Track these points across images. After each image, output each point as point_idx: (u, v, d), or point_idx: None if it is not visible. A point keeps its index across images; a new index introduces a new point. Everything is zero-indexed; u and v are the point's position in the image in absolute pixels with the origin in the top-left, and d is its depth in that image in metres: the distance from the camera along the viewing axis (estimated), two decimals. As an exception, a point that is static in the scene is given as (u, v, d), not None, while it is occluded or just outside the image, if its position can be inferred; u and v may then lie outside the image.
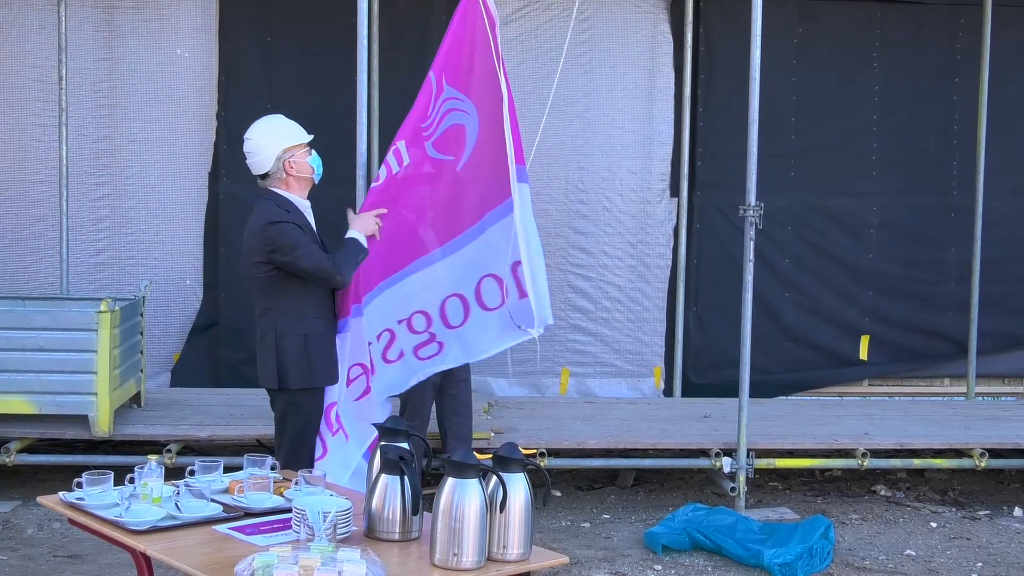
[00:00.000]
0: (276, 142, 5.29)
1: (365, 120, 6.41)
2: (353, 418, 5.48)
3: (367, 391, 5.55)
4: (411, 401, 6.06)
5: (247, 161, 5.42)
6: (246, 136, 5.41)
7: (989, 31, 8.46)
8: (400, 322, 5.66)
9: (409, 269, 5.65)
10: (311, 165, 5.39)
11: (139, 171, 8.44)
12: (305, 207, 5.38)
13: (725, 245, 8.31)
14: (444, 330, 5.67)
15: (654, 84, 8.68)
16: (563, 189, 8.66)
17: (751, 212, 6.60)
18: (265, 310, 5.26)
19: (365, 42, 6.42)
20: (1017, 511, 7.04)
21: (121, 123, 8.42)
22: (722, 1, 8.40)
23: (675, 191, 8.64)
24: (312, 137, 5.45)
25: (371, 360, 5.55)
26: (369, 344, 5.55)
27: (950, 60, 8.73)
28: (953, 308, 8.74)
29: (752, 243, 6.65)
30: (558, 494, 7.15)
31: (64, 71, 8.07)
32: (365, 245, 5.39)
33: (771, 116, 8.09)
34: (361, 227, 5.46)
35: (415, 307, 5.64)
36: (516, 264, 5.54)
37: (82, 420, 6.63)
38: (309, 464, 5.14)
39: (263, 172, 5.32)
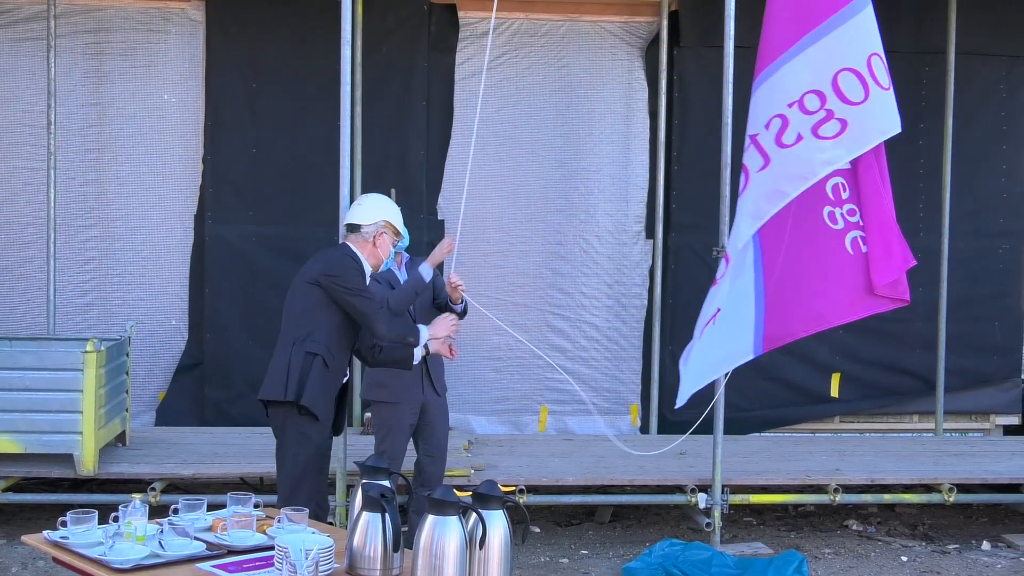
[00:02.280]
0: (381, 211, 5.41)
1: (348, 163, 6.42)
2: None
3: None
4: (387, 444, 6.00)
5: (351, 209, 5.53)
6: (365, 195, 5.66)
7: (952, 79, 8.58)
8: (791, 105, 5.58)
9: (790, 54, 5.61)
10: (391, 250, 5.47)
11: (126, 213, 8.43)
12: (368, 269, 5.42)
13: (700, 285, 8.31)
14: (843, 106, 5.52)
15: (630, 129, 8.75)
16: (541, 231, 8.69)
17: (724, 253, 6.63)
18: (294, 327, 5.17)
19: (348, 88, 6.45)
20: (985, 545, 7.05)
21: (109, 166, 8.43)
22: (695, 48, 8.48)
23: (650, 233, 8.69)
24: (403, 235, 5.58)
25: (764, 153, 5.57)
26: (754, 137, 5.62)
27: (916, 106, 8.82)
28: (921, 346, 8.78)
29: (725, 283, 6.69)
30: (537, 530, 7.13)
31: (53, 116, 8.08)
32: (424, 341, 5.39)
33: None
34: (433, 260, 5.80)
35: (806, 87, 5.55)
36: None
37: (67, 459, 6.59)
38: (316, 492, 5.18)
39: (356, 223, 5.39)
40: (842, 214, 5.78)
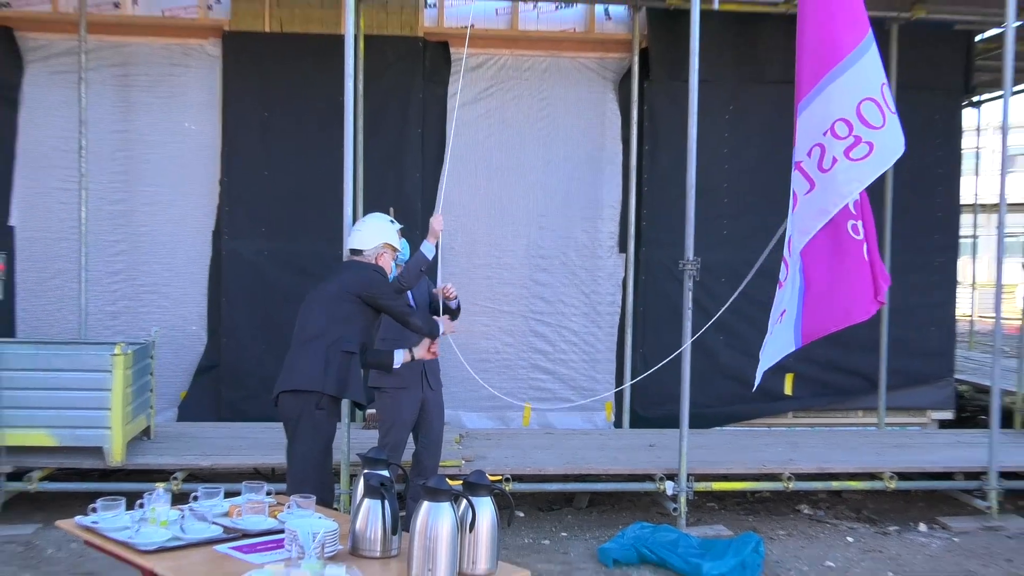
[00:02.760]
0: (381, 235, 5.58)
1: (351, 185, 6.45)
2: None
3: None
4: (391, 437, 6.04)
5: (351, 236, 5.65)
6: (362, 219, 5.73)
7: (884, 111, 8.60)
8: (825, 133, 5.79)
9: (818, 88, 5.86)
10: (392, 266, 5.67)
11: (151, 230, 8.43)
12: None
13: (667, 295, 8.37)
14: (868, 131, 5.77)
15: (604, 154, 8.78)
16: (525, 246, 8.72)
17: (689, 266, 6.67)
18: (328, 329, 5.23)
19: (351, 117, 6.47)
20: (922, 526, 7.08)
21: (135, 188, 8.42)
22: (663, 82, 8.52)
23: (623, 248, 8.72)
24: (400, 250, 5.73)
25: (809, 178, 5.85)
26: (799, 164, 5.90)
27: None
28: (866, 350, 8.81)
29: (690, 293, 6.72)
30: (521, 515, 7.13)
31: (84, 142, 8.08)
32: (441, 332, 5.59)
33: (707, 182, 8.17)
34: (431, 236, 5.83)
35: (835, 116, 5.79)
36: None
37: (97, 451, 6.59)
38: (323, 481, 5.20)
39: (359, 248, 5.57)
40: (858, 226, 6.06)
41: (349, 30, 6.54)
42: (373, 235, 5.56)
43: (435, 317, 5.74)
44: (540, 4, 8.56)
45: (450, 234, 8.57)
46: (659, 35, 8.51)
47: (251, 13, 8.43)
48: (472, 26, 8.43)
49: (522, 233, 8.73)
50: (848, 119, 5.80)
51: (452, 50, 8.58)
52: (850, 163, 5.79)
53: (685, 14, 6.82)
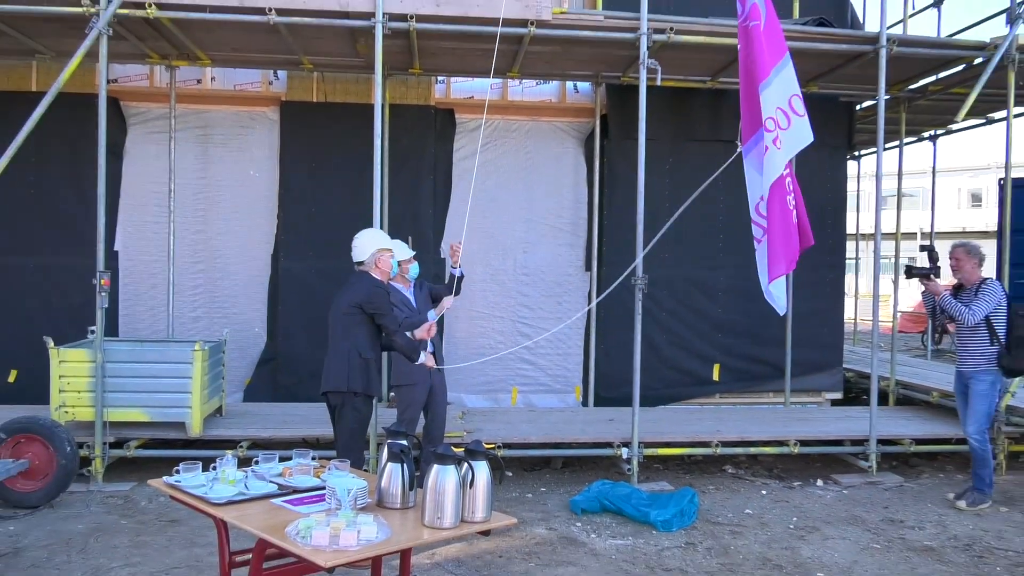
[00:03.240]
0: (373, 243, 5.41)
1: (378, 218, 6.47)
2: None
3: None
4: (407, 415, 5.98)
5: (352, 251, 5.44)
6: (357, 235, 5.48)
7: (794, 161, 8.58)
8: (761, 129, 6.22)
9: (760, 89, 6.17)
10: (391, 264, 5.49)
11: (223, 254, 8.38)
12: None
13: (623, 303, 8.33)
14: (780, 131, 6.20)
15: (575, 195, 8.77)
16: (512, 266, 8.68)
17: (639, 281, 6.65)
18: (345, 338, 5.21)
19: (378, 167, 6.46)
20: (819, 482, 7.05)
21: (212, 222, 8.37)
22: (618, 140, 8.51)
23: (588, 267, 8.69)
24: (391, 245, 5.54)
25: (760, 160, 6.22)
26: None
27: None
28: (775, 344, 8.80)
29: (640, 302, 6.69)
30: (510, 475, 7.08)
31: (173, 186, 8.05)
32: (420, 362, 5.45)
33: (653, 216, 8.16)
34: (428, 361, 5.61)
35: (766, 115, 6.17)
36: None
37: (180, 426, 6.55)
38: (359, 450, 5.30)
39: (360, 260, 5.39)
40: (791, 199, 6.32)
41: (377, 100, 6.54)
42: (367, 246, 5.38)
43: (415, 339, 5.47)
44: (524, 80, 8.55)
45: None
46: (615, 104, 8.50)
47: (303, 87, 8.40)
48: (471, 97, 8.46)
49: (510, 256, 8.69)
50: (775, 117, 6.15)
51: (457, 116, 8.56)
52: (776, 149, 6.15)
53: (635, 88, 6.82)
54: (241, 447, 6.62)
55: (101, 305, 6.38)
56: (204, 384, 6.63)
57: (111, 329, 7.93)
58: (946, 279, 6.54)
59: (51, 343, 6.47)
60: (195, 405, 6.49)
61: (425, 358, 5.49)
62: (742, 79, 6.32)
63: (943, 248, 6.59)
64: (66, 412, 6.41)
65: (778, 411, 8.59)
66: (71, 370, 6.43)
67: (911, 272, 6.47)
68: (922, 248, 6.70)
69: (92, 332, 6.54)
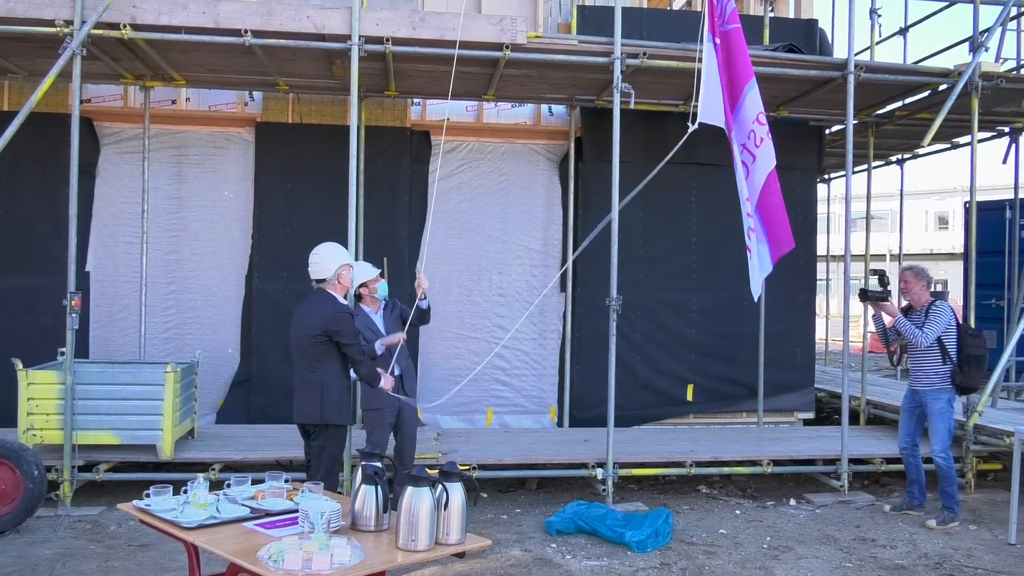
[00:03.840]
0: (335, 260, 5.27)
1: (353, 239, 6.44)
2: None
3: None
4: (375, 436, 5.91)
5: (310, 267, 5.30)
6: (314, 251, 5.33)
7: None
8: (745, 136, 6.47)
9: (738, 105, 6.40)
10: (352, 279, 5.46)
11: (197, 274, 8.31)
12: (344, 302, 5.37)
13: (597, 324, 8.37)
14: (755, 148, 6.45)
15: (549, 216, 8.80)
16: (488, 287, 8.69)
17: (614, 302, 6.68)
18: (313, 368, 5.13)
19: (354, 187, 6.46)
20: (792, 501, 7.09)
21: (185, 242, 8.30)
22: (593, 162, 8.56)
23: (564, 288, 8.72)
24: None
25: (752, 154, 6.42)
26: (744, 145, 6.44)
27: (741, 201, 8.95)
28: (747, 366, 8.86)
29: (615, 323, 6.72)
30: (485, 496, 7.04)
31: (146, 206, 8.00)
32: (380, 385, 5.32)
33: (626, 238, 8.23)
34: (387, 383, 5.42)
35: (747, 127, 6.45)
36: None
37: (151, 448, 6.47)
38: (336, 473, 5.29)
39: (322, 278, 5.25)
40: (776, 200, 6.51)
41: (353, 122, 6.55)
42: (329, 262, 5.24)
43: (380, 371, 5.36)
44: (499, 103, 8.60)
45: (430, 278, 8.45)
46: (589, 127, 8.57)
47: (278, 108, 8.39)
48: (448, 119, 8.50)
49: (486, 277, 8.69)
50: (755, 129, 6.42)
51: (432, 137, 8.58)
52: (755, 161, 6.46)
53: (609, 111, 6.89)
54: (213, 470, 6.54)
55: (71, 326, 6.29)
56: (176, 406, 6.55)
57: (82, 350, 7.82)
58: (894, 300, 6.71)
59: (19, 365, 6.36)
60: (166, 427, 6.41)
61: (384, 381, 5.34)
62: (723, 80, 6.34)
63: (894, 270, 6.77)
64: (34, 435, 6.30)
65: (751, 431, 8.64)
66: (40, 392, 6.33)
67: (866, 296, 6.62)
68: (873, 272, 6.87)
69: (62, 353, 6.45)
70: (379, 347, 5.66)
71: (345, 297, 5.39)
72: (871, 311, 6.70)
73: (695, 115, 6.21)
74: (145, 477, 6.53)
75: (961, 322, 6.55)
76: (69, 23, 6.30)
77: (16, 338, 7.74)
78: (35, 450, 6.11)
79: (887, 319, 6.52)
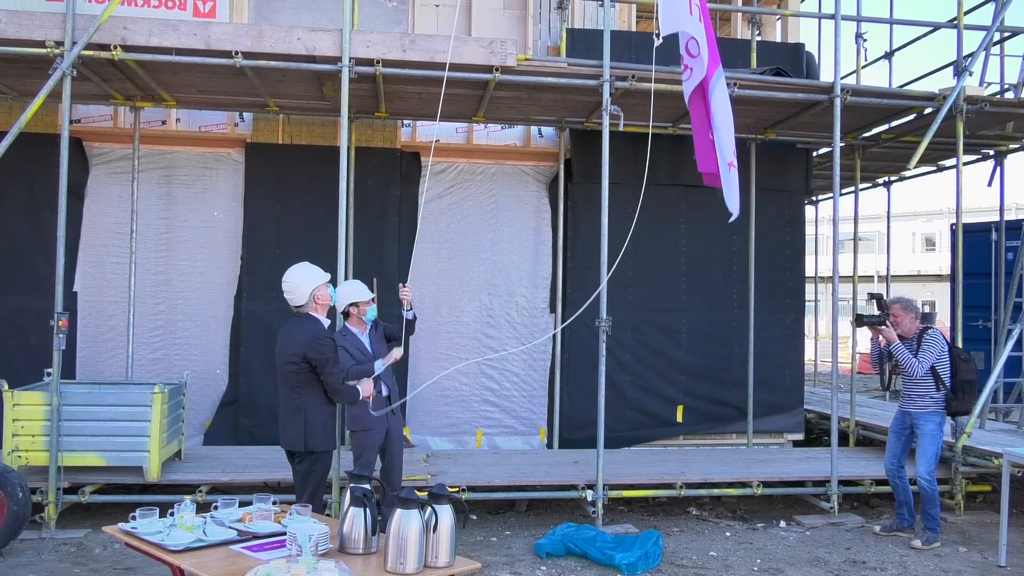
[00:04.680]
0: (308, 284, 5.24)
1: (343, 259, 6.44)
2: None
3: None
4: (363, 458, 5.87)
5: (285, 295, 5.29)
6: (284, 279, 5.31)
7: (753, 206, 8.79)
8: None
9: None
10: (330, 295, 5.40)
11: (185, 295, 8.28)
12: (327, 324, 5.37)
13: (587, 345, 8.38)
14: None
15: (539, 238, 8.83)
16: (477, 308, 8.69)
17: (603, 323, 6.69)
18: (297, 394, 5.12)
19: (344, 208, 6.47)
20: (782, 523, 7.08)
21: (174, 262, 8.29)
22: (583, 184, 8.61)
23: (553, 309, 8.73)
24: (329, 276, 5.45)
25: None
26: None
27: (729, 223, 8.98)
28: (737, 386, 8.88)
29: (604, 344, 6.72)
30: (474, 518, 7.01)
31: (135, 226, 7.99)
32: (360, 398, 5.30)
33: (615, 258, 8.28)
34: (365, 390, 5.40)
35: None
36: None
37: (138, 470, 6.42)
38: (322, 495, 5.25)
39: (299, 305, 5.24)
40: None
41: (344, 143, 6.57)
42: (302, 288, 5.22)
43: (356, 385, 5.33)
44: (489, 124, 8.65)
45: (419, 299, 8.51)
46: (579, 149, 8.63)
47: (268, 129, 8.41)
48: (437, 140, 8.54)
49: (475, 298, 8.70)
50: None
51: (422, 159, 8.62)
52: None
53: (598, 133, 6.94)
54: (200, 492, 6.49)
55: (58, 347, 6.26)
56: (163, 427, 6.51)
57: (68, 371, 7.77)
58: None
59: (5, 386, 6.32)
60: (153, 449, 6.36)
61: (364, 388, 5.33)
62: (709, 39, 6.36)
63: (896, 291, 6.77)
64: (19, 456, 6.24)
65: (741, 452, 8.64)
66: (25, 413, 6.28)
67: (862, 321, 6.62)
68: (871, 296, 6.88)
69: (49, 374, 6.41)
70: (379, 366, 5.60)
71: (335, 314, 5.38)
72: (869, 334, 6.70)
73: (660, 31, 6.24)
74: (131, 499, 6.46)
75: (952, 345, 6.59)
76: (60, 44, 6.32)
77: (2, 358, 7.69)
78: (20, 472, 6.05)
79: (883, 342, 6.54)
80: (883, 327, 6.47)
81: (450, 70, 6.48)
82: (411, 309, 5.88)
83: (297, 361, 5.06)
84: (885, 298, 6.64)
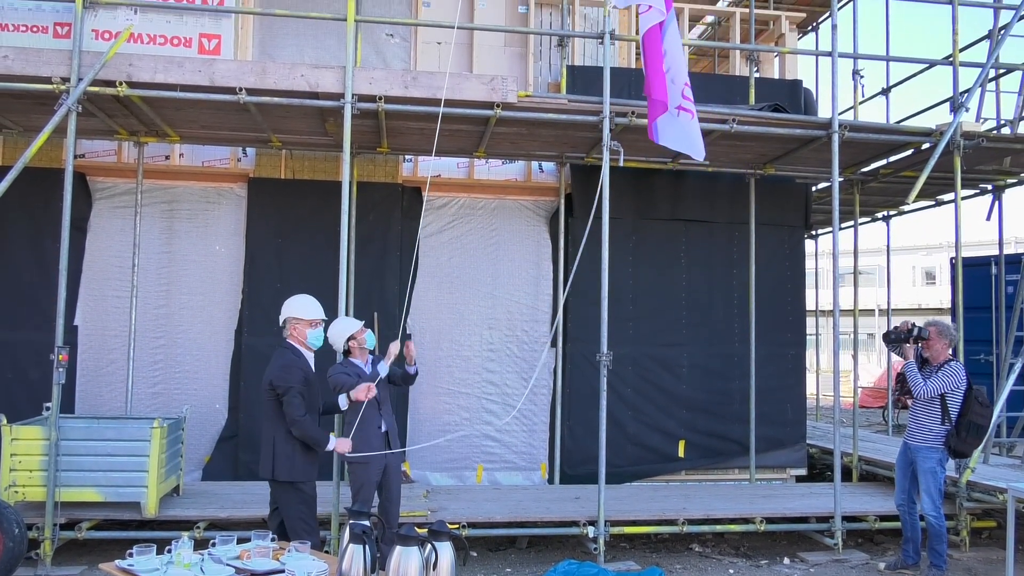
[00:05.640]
0: (284, 312, 5.46)
1: (344, 294, 6.44)
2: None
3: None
4: (361, 494, 5.81)
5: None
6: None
7: (753, 240, 8.84)
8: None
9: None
10: (305, 332, 5.44)
11: (186, 329, 8.28)
12: (310, 356, 5.42)
13: (588, 380, 8.36)
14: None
15: (539, 272, 8.85)
16: (478, 342, 8.68)
17: (604, 358, 6.67)
18: (270, 422, 5.19)
19: (345, 242, 6.48)
20: (786, 560, 7.00)
21: (175, 296, 8.29)
22: (583, 219, 8.61)
23: (554, 343, 8.71)
24: (314, 316, 5.49)
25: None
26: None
27: (730, 257, 9.06)
28: (738, 421, 8.84)
29: (605, 378, 6.70)
30: (474, 555, 6.93)
31: (136, 260, 8.01)
32: (329, 448, 5.27)
33: (616, 293, 8.31)
34: (341, 447, 5.41)
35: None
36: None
37: (135, 506, 6.36)
38: (314, 531, 5.16)
39: (281, 326, 5.45)
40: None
41: (345, 178, 6.61)
42: (281, 316, 5.47)
43: (331, 436, 5.33)
44: (490, 160, 8.71)
45: (420, 333, 8.52)
46: (579, 184, 8.67)
47: (270, 164, 8.47)
48: (439, 175, 8.61)
49: (476, 332, 8.69)
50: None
51: (424, 193, 8.64)
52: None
53: (598, 168, 6.98)
54: (198, 528, 6.43)
55: (58, 381, 6.24)
56: (162, 462, 6.46)
57: (68, 405, 7.74)
58: None
59: (4, 420, 6.29)
60: (151, 484, 6.31)
61: (338, 444, 5.32)
62: None
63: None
64: (16, 492, 6.19)
65: (744, 488, 8.57)
66: (23, 448, 6.24)
67: (889, 338, 6.57)
68: (912, 327, 6.65)
69: (47, 408, 6.38)
70: (343, 401, 5.51)
71: (306, 346, 5.40)
72: (898, 352, 6.63)
73: None
74: (128, 536, 6.40)
75: (974, 387, 6.40)
76: (66, 80, 6.39)
77: (2, 392, 7.67)
78: (16, 507, 6.00)
79: (898, 364, 6.48)
80: (905, 344, 6.41)
81: (452, 106, 6.54)
82: (414, 364, 5.98)
83: (267, 389, 5.19)
84: (925, 329, 6.49)
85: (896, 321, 7.03)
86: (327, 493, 6.50)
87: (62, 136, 6.65)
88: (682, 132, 6.45)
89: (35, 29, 6.84)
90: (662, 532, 7.22)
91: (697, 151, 6.51)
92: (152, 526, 6.49)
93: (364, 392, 5.34)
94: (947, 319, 7.05)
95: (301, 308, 5.42)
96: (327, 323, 5.65)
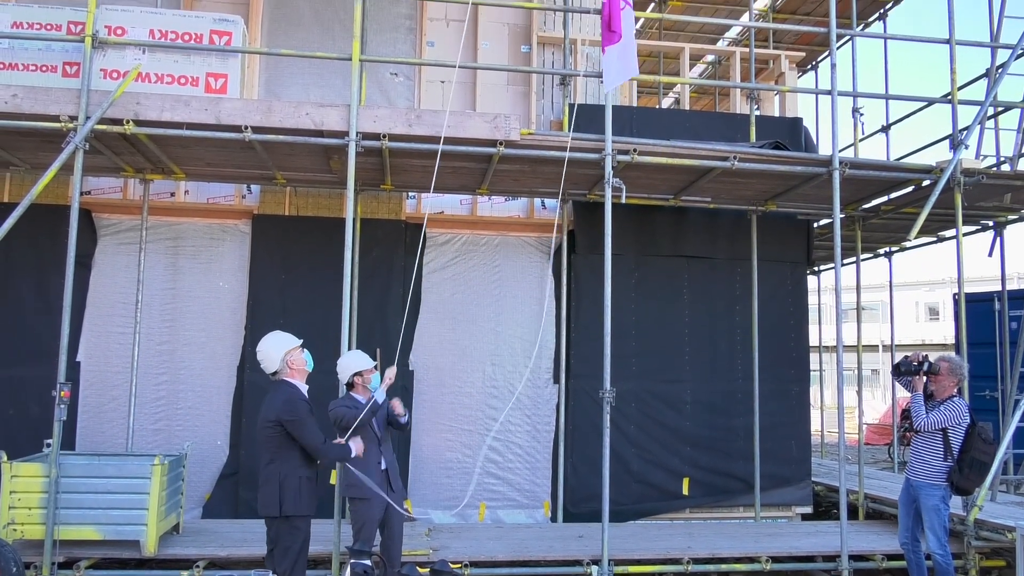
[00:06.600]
0: (279, 349, 5.36)
1: (347, 330, 6.44)
2: None
3: None
4: (363, 533, 5.75)
5: (260, 364, 5.45)
6: (257, 348, 5.47)
7: (756, 277, 8.85)
8: None
9: None
10: (304, 359, 5.47)
11: (188, 365, 8.27)
12: (305, 389, 5.37)
13: (590, 416, 8.31)
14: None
15: (542, 308, 8.82)
16: (480, 379, 8.65)
17: (607, 394, 6.63)
18: (272, 459, 5.14)
19: (348, 279, 6.50)
20: (793, 601, 6.90)
21: (178, 332, 8.29)
22: (585, 255, 8.67)
23: (557, 379, 8.68)
24: (301, 340, 5.50)
25: None
26: None
27: (732, 293, 9.05)
28: (743, 458, 8.77)
29: (608, 415, 6.66)
30: (477, 594, 6.83)
31: (140, 297, 8.02)
32: (353, 455, 5.43)
33: (619, 329, 8.29)
34: (357, 448, 5.52)
35: None
36: None
37: (135, 544, 6.31)
38: (303, 569, 5.14)
39: (274, 371, 5.36)
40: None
41: (349, 215, 6.64)
42: (273, 354, 5.36)
43: (350, 444, 5.47)
44: (493, 196, 8.75)
45: (423, 369, 8.50)
46: (582, 220, 8.70)
47: (275, 201, 8.52)
48: (441, 212, 8.65)
49: (478, 368, 8.67)
50: None
51: (427, 229, 8.70)
52: None
53: (600, 205, 7.02)
54: (197, 567, 6.36)
55: (59, 417, 6.22)
56: (162, 500, 6.41)
57: (69, 441, 7.71)
58: None
59: (4, 457, 6.25)
60: (151, 522, 6.26)
61: (355, 446, 5.45)
62: None
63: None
64: (15, 530, 6.14)
65: (749, 526, 8.46)
66: (23, 485, 6.21)
67: (899, 370, 6.53)
68: (924, 358, 6.62)
69: (48, 445, 6.35)
70: (381, 394, 5.65)
71: (304, 378, 5.41)
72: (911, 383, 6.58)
73: None
74: (127, 575, 6.32)
75: (978, 423, 6.34)
76: (74, 118, 6.46)
77: (3, 429, 7.64)
78: (14, 545, 5.94)
79: (903, 401, 6.45)
80: (913, 376, 6.37)
81: (456, 144, 6.59)
82: (406, 415, 6.06)
83: (271, 425, 5.16)
84: (934, 364, 6.46)
85: (899, 357, 6.99)
86: (327, 531, 6.44)
87: (68, 173, 6.71)
88: (624, 62, 6.58)
89: (44, 68, 6.93)
90: (667, 572, 7.11)
91: (633, 70, 6.63)
92: (151, 565, 6.42)
93: (359, 449, 5.47)
94: (953, 354, 7.01)
95: (286, 340, 5.44)
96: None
